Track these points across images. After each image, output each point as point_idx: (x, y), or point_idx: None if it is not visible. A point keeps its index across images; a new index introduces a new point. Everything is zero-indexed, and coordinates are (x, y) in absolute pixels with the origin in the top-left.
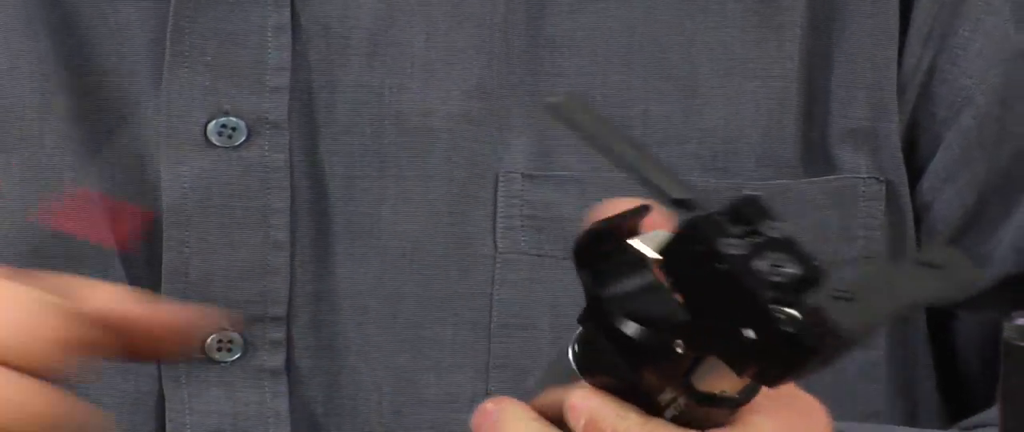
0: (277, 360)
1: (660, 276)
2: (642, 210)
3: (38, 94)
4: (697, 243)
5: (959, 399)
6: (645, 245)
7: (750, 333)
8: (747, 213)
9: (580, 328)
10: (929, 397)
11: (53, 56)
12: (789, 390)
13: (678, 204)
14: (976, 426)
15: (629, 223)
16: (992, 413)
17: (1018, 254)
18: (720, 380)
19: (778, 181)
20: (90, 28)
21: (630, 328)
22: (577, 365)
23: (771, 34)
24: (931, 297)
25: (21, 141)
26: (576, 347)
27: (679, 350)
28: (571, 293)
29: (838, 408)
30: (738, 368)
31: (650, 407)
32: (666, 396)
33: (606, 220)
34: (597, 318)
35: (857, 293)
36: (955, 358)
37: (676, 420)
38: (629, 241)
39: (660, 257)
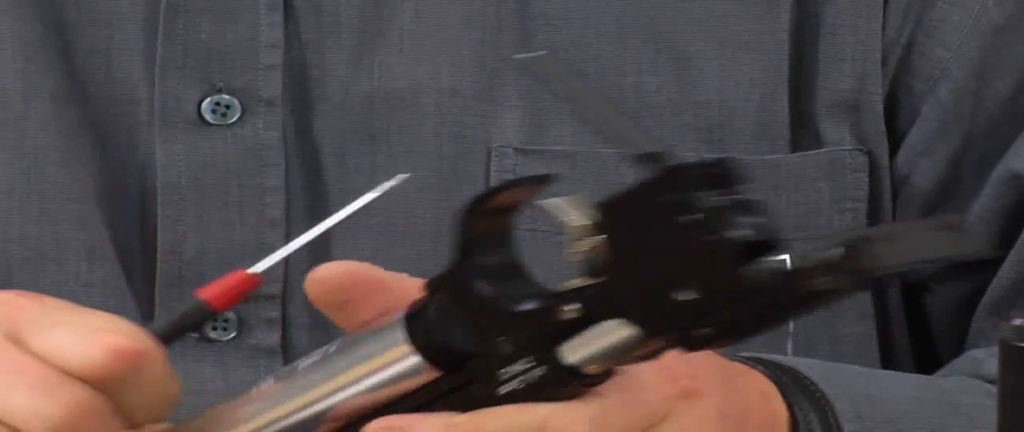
0: (272, 338)
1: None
2: (537, 180)
3: (21, 76)
4: (670, 191)
5: (931, 369)
6: (569, 206)
7: (689, 294)
8: (719, 175)
9: (416, 301)
10: (907, 368)
11: (39, 37)
12: (634, 374)
13: (646, 158)
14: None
15: (517, 193)
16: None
17: (987, 225)
18: (584, 354)
19: (772, 156)
20: (79, 8)
21: (492, 290)
22: (410, 335)
23: (765, 6)
24: (948, 253)
25: (4, 124)
26: (407, 319)
27: (569, 315)
28: (564, 269)
29: None
30: (652, 330)
31: (483, 385)
32: (514, 368)
33: (492, 190)
34: (455, 284)
35: (879, 240)
36: (928, 330)
37: (511, 397)
38: (549, 201)
39: (596, 208)
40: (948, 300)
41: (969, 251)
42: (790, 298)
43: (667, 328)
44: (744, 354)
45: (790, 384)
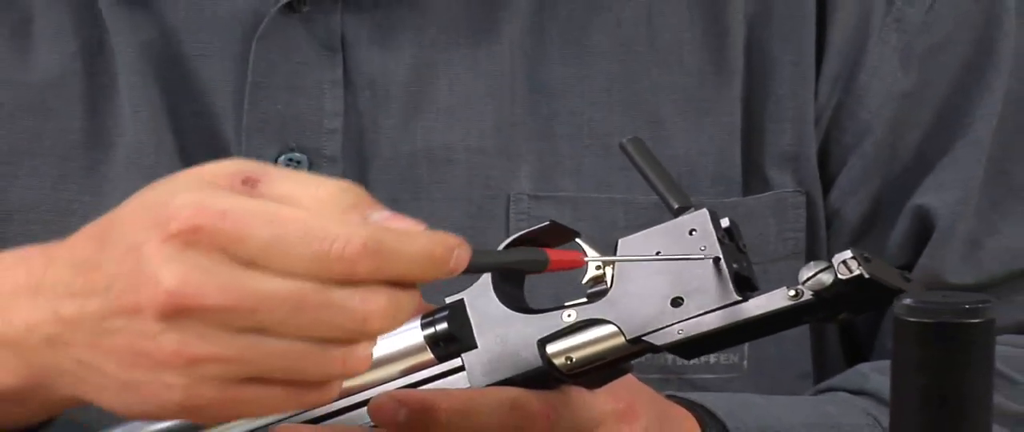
0: None
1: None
2: (560, 232)
3: (152, 134)
4: (693, 230)
5: (856, 359)
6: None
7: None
8: (731, 227)
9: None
10: (836, 358)
11: (160, 102)
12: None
13: (677, 212)
14: (829, 389)
15: (545, 239)
16: (840, 379)
17: (901, 249)
18: (568, 351)
19: (730, 198)
20: (185, 78)
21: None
22: (422, 324)
23: (721, 78)
24: (897, 286)
25: (140, 169)
26: (423, 316)
27: (566, 320)
28: (568, 290)
29: (782, 373)
30: (635, 338)
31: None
32: (505, 359)
33: (522, 235)
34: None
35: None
36: (853, 328)
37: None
38: (576, 240)
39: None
40: (870, 313)
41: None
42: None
43: (645, 332)
44: (667, 394)
45: (707, 420)
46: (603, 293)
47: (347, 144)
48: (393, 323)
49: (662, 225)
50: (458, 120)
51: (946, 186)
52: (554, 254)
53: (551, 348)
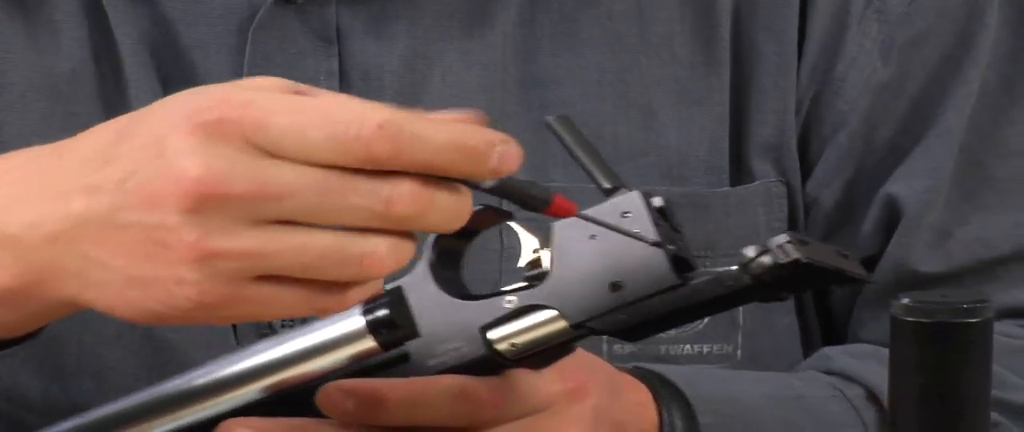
0: None
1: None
2: (495, 216)
3: None
4: (626, 212)
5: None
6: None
7: (619, 292)
8: (665, 208)
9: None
10: (818, 347)
11: (161, 94)
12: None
13: (608, 192)
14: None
15: (479, 222)
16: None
17: (872, 237)
18: (510, 337)
19: (723, 188)
20: (182, 68)
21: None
22: (364, 310)
23: (711, 70)
24: (844, 269)
25: None
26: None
27: (507, 306)
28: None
29: (775, 363)
30: (576, 322)
31: (419, 361)
32: (448, 347)
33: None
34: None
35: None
36: (833, 321)
37: (441, 371)
38: (510, 223)
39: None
40: (844, 299)
41: (856, 273)
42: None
43: (588, 317)
44: (632, 365)
45: (661, 388)
46: (541, 277)
47: None
48: (418, 213)
49: (595, 207)
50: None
51: (916, 175)
52: (557, 198)
53: (493, 334)
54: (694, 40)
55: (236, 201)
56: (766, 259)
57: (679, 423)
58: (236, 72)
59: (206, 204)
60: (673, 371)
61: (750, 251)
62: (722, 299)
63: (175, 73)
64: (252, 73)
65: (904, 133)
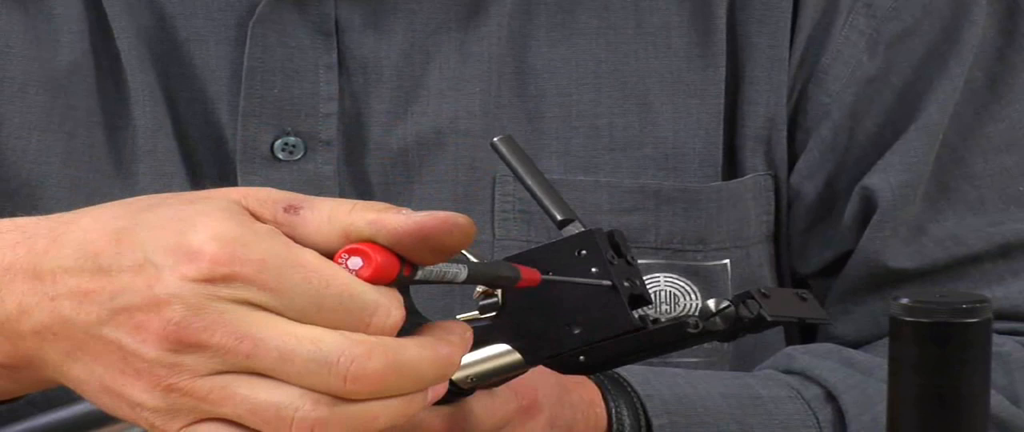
0: None
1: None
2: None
3: (151, 117)
4: (580, 248)
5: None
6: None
7: (576, 329)
8: (618, 241)
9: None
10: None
11: (157, 87)
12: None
13: (561, 224)
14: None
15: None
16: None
17: (849, 230)
18: (466, 370)
19: (717, 182)
20: (181, 63)
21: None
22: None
23: (707, 62)
24: (802, 315)
25: (145, 153)
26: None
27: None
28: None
29: (764, 354)
30: (532, 358)
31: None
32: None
33: None
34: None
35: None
36: None
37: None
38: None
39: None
40: (816, 295)
41: (816, 316)
42: (678, 338)
43: (546, 356)
44: None
45: (611, 388)
46: (495, 306)
47: (342, 128)
48: (377, 393)
49: (549, 244)
50: (447, 103)
51: (893, 168)
52: (522, 270)
53: None
54: (691, 32)
55: (212, 350)
56: (729, 312)
57: (627, 419)
58: (235, 66)
59: (184, 349)
60: (630, 371)
61: (712, 304)
62: (679, 344)
63: (173, 67)
64: (252, 67)
65: (887, 127)
